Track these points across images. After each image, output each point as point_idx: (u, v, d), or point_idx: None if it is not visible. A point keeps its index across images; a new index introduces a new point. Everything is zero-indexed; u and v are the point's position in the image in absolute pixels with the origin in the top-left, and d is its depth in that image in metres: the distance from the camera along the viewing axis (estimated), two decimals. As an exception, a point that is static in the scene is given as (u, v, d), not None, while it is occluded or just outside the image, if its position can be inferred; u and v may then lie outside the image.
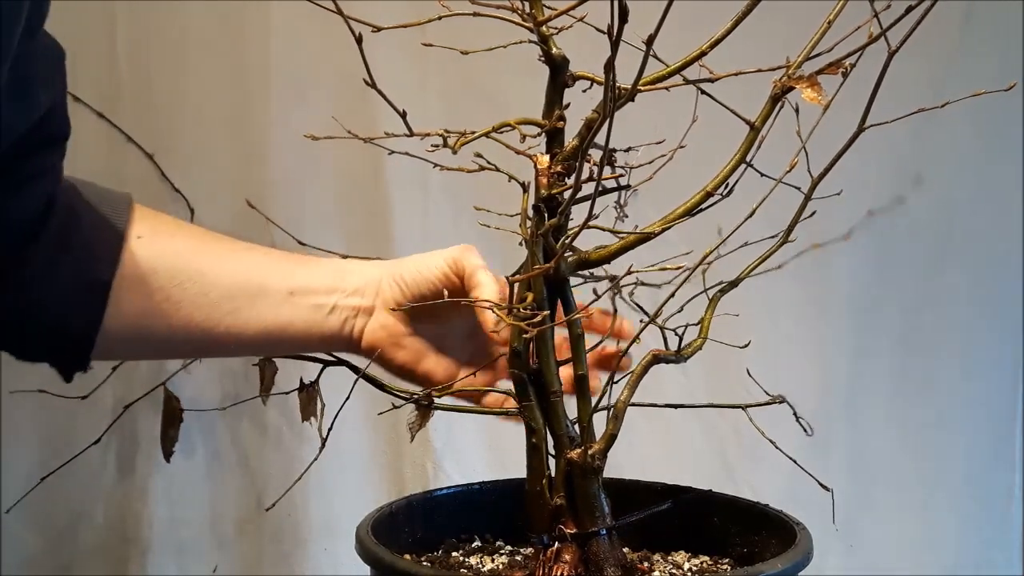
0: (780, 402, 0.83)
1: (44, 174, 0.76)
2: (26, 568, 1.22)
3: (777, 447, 0.81)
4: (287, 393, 0.88)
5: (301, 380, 0.87)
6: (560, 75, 0.71)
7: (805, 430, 0.83)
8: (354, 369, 0.88)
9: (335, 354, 0.89)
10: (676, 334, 0.75)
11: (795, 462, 0.82)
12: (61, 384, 0.85)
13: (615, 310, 0.84)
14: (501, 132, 0.73)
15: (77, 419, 1.17)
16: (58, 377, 0.84)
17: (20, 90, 0.69)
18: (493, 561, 0.83)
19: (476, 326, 0.82)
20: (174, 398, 1.02)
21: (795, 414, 0.83)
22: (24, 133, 0.72)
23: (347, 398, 0.82)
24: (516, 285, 0.73)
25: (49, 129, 0.75)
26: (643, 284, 0.83)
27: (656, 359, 0.74)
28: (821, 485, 0.81)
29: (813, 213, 0.73)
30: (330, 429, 0.84)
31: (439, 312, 0.83)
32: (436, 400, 0.83)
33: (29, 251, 0.76)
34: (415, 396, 0.83)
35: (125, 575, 1.24)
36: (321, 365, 0.89)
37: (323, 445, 0.84)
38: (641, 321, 0.76)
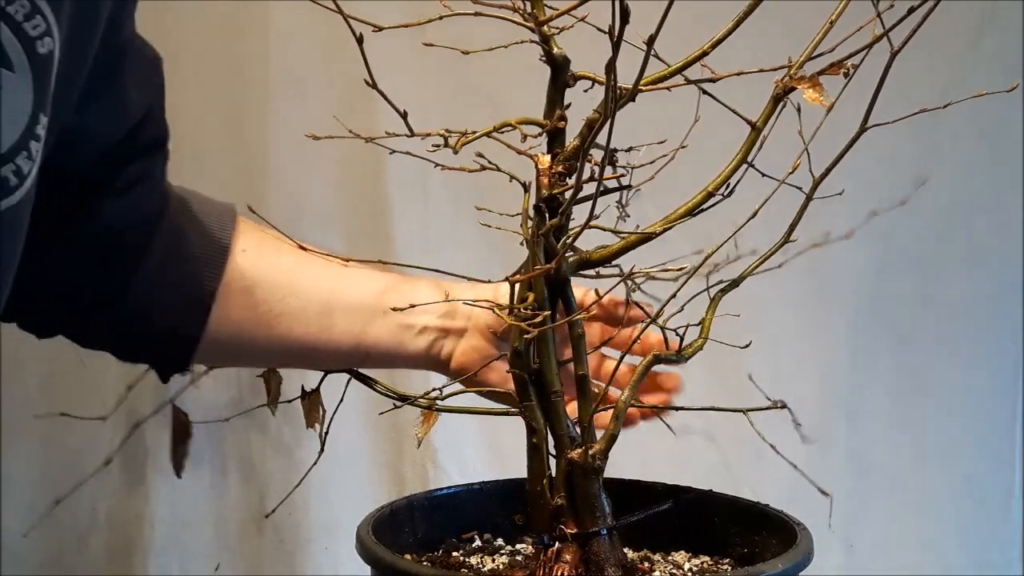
0: (781, 407, 0.83)
1: (144, 180, 0.80)
2: (27, 567, 1.22)
3: (778, 451, 0.81)
4: (290, 401, 0.88)
5: (303, 388, 0.87)
6: (561, 75, 0.71)
7: (804, 438, 0.83)
8: (355, 375, 0.88)
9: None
10: (677, 334, 0.75)
11: (795, 467, 0.82)
12: (55, 395, 0.85)
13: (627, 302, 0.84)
14: (502, 132, 0.73)
15: (83, 430, 1.16)
16: (55, 384, 0.85)
17: (112, 102, 0.74)
18: (493, 561, 0.83)
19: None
20: (182, 414, 1.02)
21: (795, 421, 0.83)
22: (121, 139, 0.76)
23: (340, 400, 0.82)
24: (517, 285, 0.73)
25: (147, 134, 0.79)
26: (651, 276, 0.83)
27: (657, 359, 0.74)
28: (820, 491, 0.81)
29: (805, 210, 0.73)
30: (327, 432, 0.84)
31: None
32: (437, 403, 0.83)
33: (140, 258, 0.80)
34: (416, 398, 0.83)
35: (128, 575, 1.24)
36: (323, 372, 0.89)
37: (322, 448, 0.84)
38: (642, 321, 0.76)
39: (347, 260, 0.86)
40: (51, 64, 0.62)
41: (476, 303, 0.78)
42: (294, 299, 0.86)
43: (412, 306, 0.84)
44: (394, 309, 0.86)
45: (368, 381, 0.87)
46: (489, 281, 0.79)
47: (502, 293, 0.86)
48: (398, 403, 0.85)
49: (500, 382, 0.87)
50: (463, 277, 0.86)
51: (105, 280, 0.80)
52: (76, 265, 0.79)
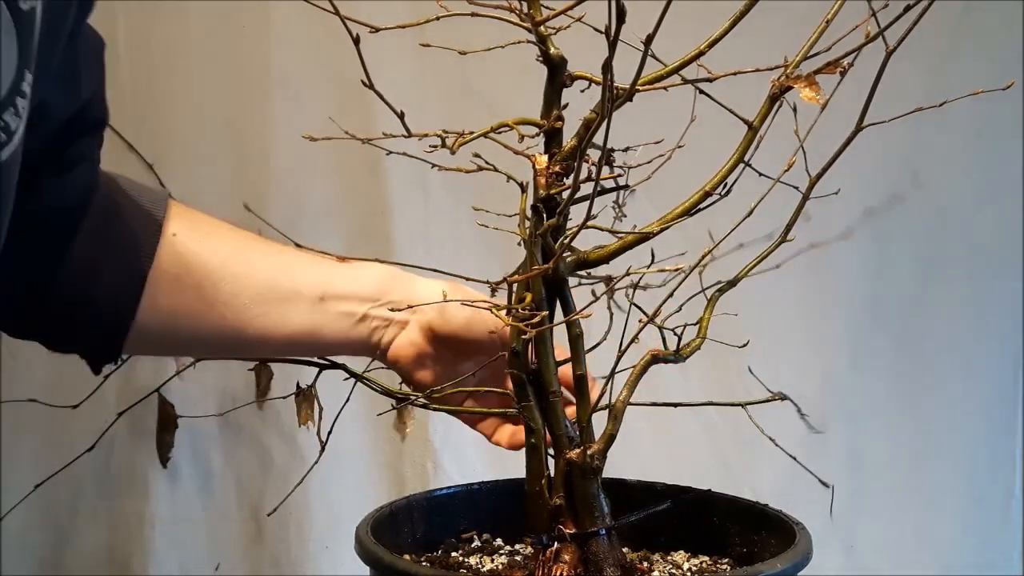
0: (782, 399, 0.83)
1: (84, 159, 0.77)
2: (27, 567, 1.22)
3: (777, 444, 0.81)
4: (284, 397, 0.88)
5: (298, 384, 0.87)
6: (558, 75, 0.71)
7: (810, 426, 0.83)
8: (352, 373, 0.88)
9: (331, 358, 0.89)
10: (675, 334, 0.75)
11: (795, 459, 0.82)
12: (57, 394, 0.84)
13: (611, 314, 0.85)
14: (499, 132, 0.73)
15: (77, 422, 1.16)
16: (55, 383, 0.84)
17: (67, 78, 0.71)
18: (493, 561, 0.83)
19: (497, 370, 0.81)
20: (168, 404, 1.02)
21: (799, 410, 0.83)
22: (67, 119, 0.73)
23: (346, 401, 0.82)
24: (515, 285, 0.73)
25: (89, 115, 0.76)
26: (642, 287, 0.83)
27: (655, 359, 0.74)
28: (821, 482, 0.81)
29: (809, 218, 0.73)
30: (330, 432, 0.84)
31: (466, 348, 0.84)
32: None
33: (69, 241, 0.77)
34: (412, 399, 0.83)
35: (127, 574, 1.24)
36: (317, 369, 0.89)
37: (323, 449, 0.84)
38: (640, 321, 0.76)
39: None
40: (34, 21, 0.60)
41: (474, 303, 0.78)
42: (225, 285, 0.82)
43: (410, 306, 0.83)
44: (392, 309, 0.85)
45: (366, 381, 0.87)
46: (488, 282, 0.79)
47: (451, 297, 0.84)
48: (396, 405, 0.85)
49: (427, 380, 0.86)
50: (462, 277, 0.86)
51: (35, 264, 0.77)
52: (9, 248, 0.73)
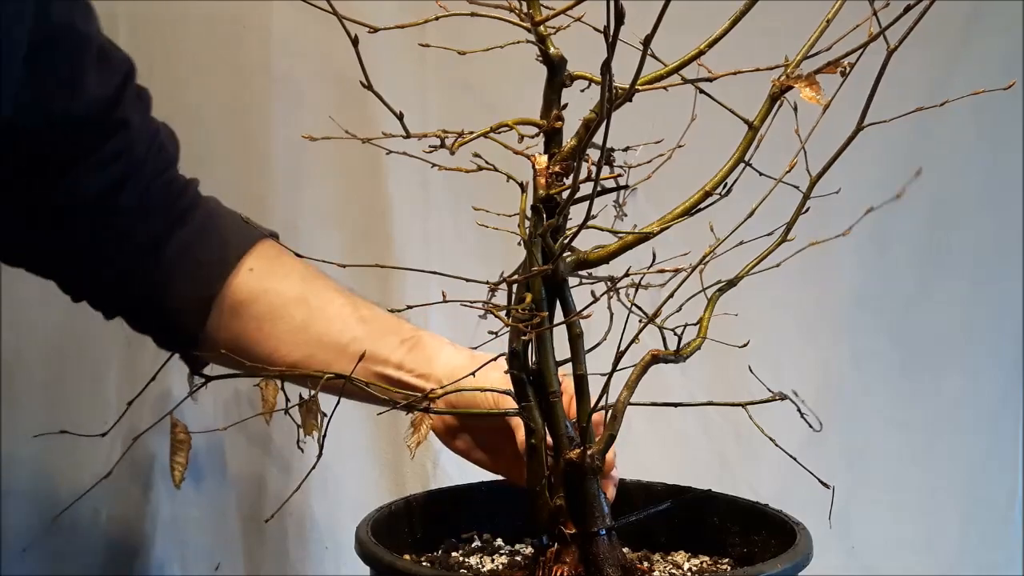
0: (782, 399, 0.83)
1: (122, 156, 0.89)
2: (27, 567, 1.22)
3: (777, 444, 0.81)
4: (286, 410, 0.88)
5: (300, 395, 0.87)
6: (558, 75, 0.71)
7: (811, 425, 0.83)
8: (353, 381, 0.87)
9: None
10: (675, 334, 0.75)
11: (795, 459, 0.82)
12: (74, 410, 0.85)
13: (611, 315, 0.84)
14: (499, 132, 0.73)
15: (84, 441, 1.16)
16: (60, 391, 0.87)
17: (64, 84, 0.84)
18: (493, 561, 0.83)
19: (515, 447, 0.83)
20: (181, 425, 1.02)
21: (799, 410, 0.83)
22: (77, 120, 0.86)
23: (337, 404, 0.82)
24: (515, 286, 0.73)
25: (111, 117, 0.88)
26: (643, 287, 0.83)
27: (655, 359, 0.74)
28: (821, 483, 0.81)
29: (807, 210, 0.73)
30: (324, 436, 0.84)
31: (485, 430, 0.89)
32: (433, 404, 0.83)
33: (157, 249, 0.92)
34: (411, 401, 0.83)
35: (128, 574, 1.24)
36: (320, 380, 0.89)
37: (320, 453, 0.84)
38: (640, 321, 0.76)
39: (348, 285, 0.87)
40: None
41: (472, 304, 0.78)
42: (283, 324, 0.93)
43: (410, 307, 0.83)
44: (391, 310, 0.86)
45: (364, 386, 0.87)
46: (487, 282, 0.79)
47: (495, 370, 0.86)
48: (394, 405, 0.84)
49: (462, 448, 0.91)
50: (461, 278, 0.86)
51: (125, 260, 0.91)
52: (101, 241, 0.91)
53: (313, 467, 0.84)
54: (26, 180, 0.87)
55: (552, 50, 0.70)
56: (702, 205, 0.72)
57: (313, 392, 0.87)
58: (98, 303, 0.97)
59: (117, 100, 0.89)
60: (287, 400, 0.87)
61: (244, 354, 0.90)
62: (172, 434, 1.01)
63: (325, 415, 0.86)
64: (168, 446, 1.04)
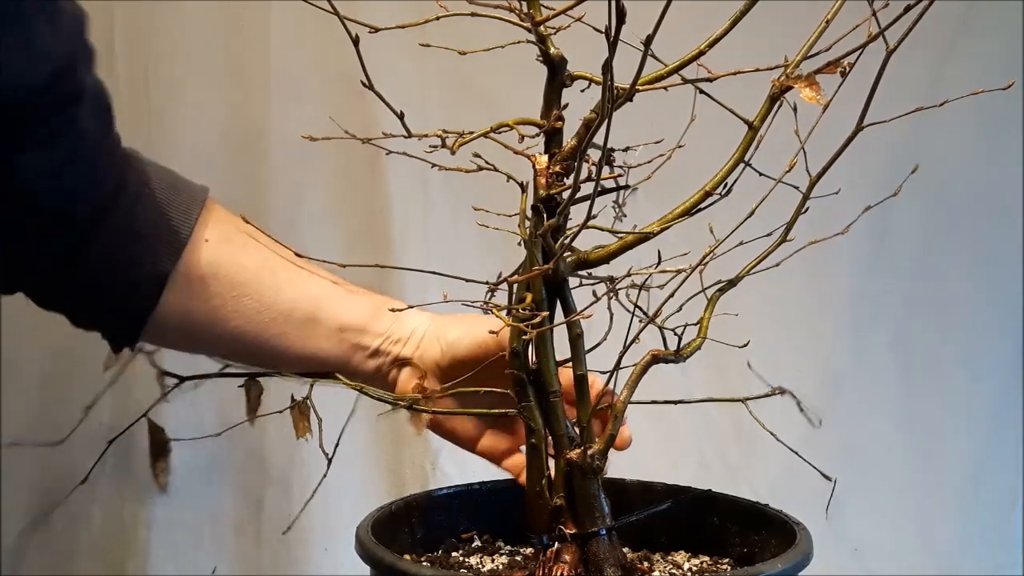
0: (781, 393, 0.83)
1: (67, 132, 0.77)
2: (25, 569, 1.22)
3: (778, 439, 0.81)
4: (280, 412, 0.88)
5: (292, 397, 0.87)
6: (558, 75, 0.71)
7: (811, 421, 0.83)
8: (347, 383, 0.88)
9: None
10: (675, 334, 0.75)
11: (797, 453, 0.82)
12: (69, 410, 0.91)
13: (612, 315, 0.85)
14: (499, 132, 0.73)
15: (81, 435, 1.16)
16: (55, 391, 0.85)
17: (24, 47, 0.71)
18: (493, 561, 0.83)
19: (505, 397, 0.81)
20: (158, 429, 1.00)
21: (799, 405, 0.83)
22: (33, 89, 0.73)
23: (349, 418, 0.83)
24: (515, 286, 0.73)
25: (63, 87, 0.75)
26: (643, 288, 0.83)
27: (655, 359, 0.74)
28: (823, 475, 0.81)
29: (807, 210, 0.73)
30: (336, 445, 0.84)
31: (471, 381, 0.85)
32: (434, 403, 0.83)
33: (93, 230, 0.80)
34: (413, 400, 0.83)
35: (124, 576, 1.24)
36: (311, 382, 0.89)
37: (329, 463, 0.84)
38: (640, 321, 0.76)
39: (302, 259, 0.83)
40: None
41: (473, 303, 0.78)
42: (249, 300, 0.85)
43: (410, 307, 0.83)
44: (392, 310, 0.86)
45: (364, 389, 0.87)
46: (487, 282, 0.79)
47: (448, 330, 0.87)
48: (393, 405, 0.85)
49: (436, 416, 0.88)
50: (461, 278, 0.86)
51: (58, 246, 0.80)
52: (25, 218, 0.79)
53: (324, 477, 0.85)
54: None
55: (552, 50, 0.70)
56: (702, 205, 0.72)
57: (306, 395, 0.87)
58: (37, 292, 0.85)
59: (70, 65, 0.76)
60: (293, 398, 0.87)
61: (203, 333, 0.85)
62: (151, 438, 0.99)
63: (320, 418, 0.86)
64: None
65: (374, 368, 0.89)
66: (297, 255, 0.83)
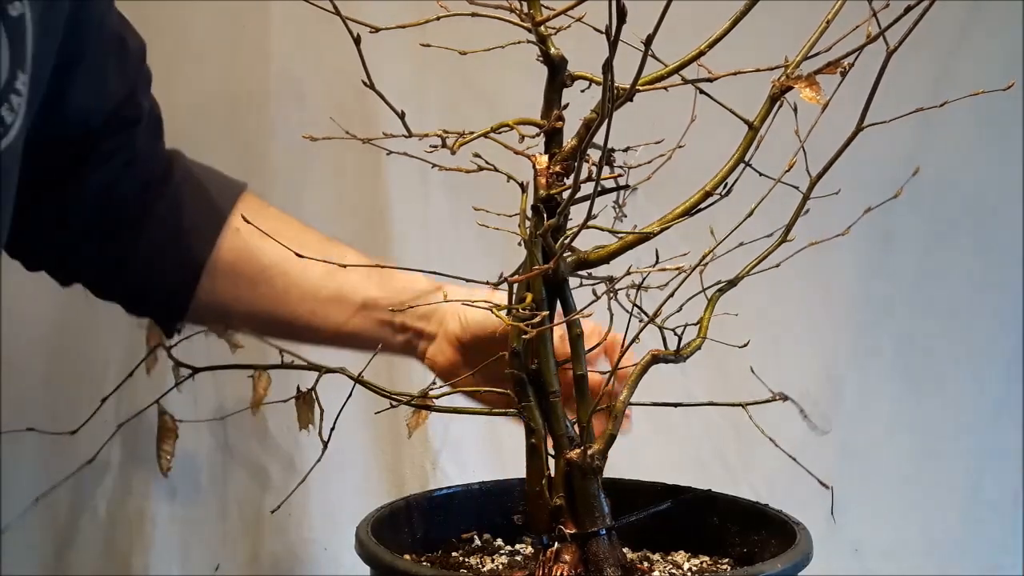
0: (783, 399, 0.83)
1: (123, 150, 0.88)
2: (28, 567, 1.22)
3: (777, 445, 0.81)
4: (285, 401, 0.88)
5: (298, 388, 0.87)
6: (558, 75, 0.71)
7: (812, 426, 0.83)
8: (352, 376, 0.88)
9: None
10: (675, 334, 0.75)
11: (795, 460, 0.82)
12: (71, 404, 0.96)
13: (612, 315, 0.85)
14: (500, 132, 0.73)
15: (83, 431, 1.16)
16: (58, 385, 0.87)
17: (91, 80, 0.82)
18: (493, 561, 0.83)
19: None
20: (167, 414, 1.02)
21: (801, 411, 0.83)
22: (101, 116, 0.85)
23: (344, 403, 0.82)
24: (515, 285, 0.73)
25: (123, 114, 0.87)
26: (643, 288, 0.83)
27: (655, 359, 0.74)
28: (821, 483, 0.81)
29: (807, 211, 0.73)
30: (332, 430, 0.84)
31: (492, 346, 0.86)
32: (435, 402, 0.83)
33: (140, 225, 0.89)
34: (412, 399, 0.83)
35: (127, 574, 1.24)
36: (317, 373, 0.89)
37: (324, 447, 0.84)
38: (640, 321, 0.76)
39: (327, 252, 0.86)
40: (24, 26, 0.69)
41: (473, 303, 0.78)
42: (279, 281, 0.91)
43: (411, 306, 0.84)
44: (393, 309, 0.87)
45: (365, 383, 0.87)
46: (488, 282, 0.79)
47: (498, 295, 0.87)
48: (394, 403, 0.85)
49: (472, 386, 0.89)
50: (461, 278, 0.86)
51: (111, 241, 0.90)
52: (87, 225, 0.89)
53: (318, 460, 0.85)
54: (40, 179, 0.85)
55: (553, 50, 0.70)
56: (702, 205, 0.72)
57: (312, 386, 0.87)
58: (94, 286, 0.95)
59: (133, 92, 0.87)
60: (299, 389, 0.87)
61: (235, 313, 0.91)
62: (160, 422, 1.01)
63: (323, 409, 0.87)
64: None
65: (403, 343, 0.92)
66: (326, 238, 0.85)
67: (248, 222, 0.82)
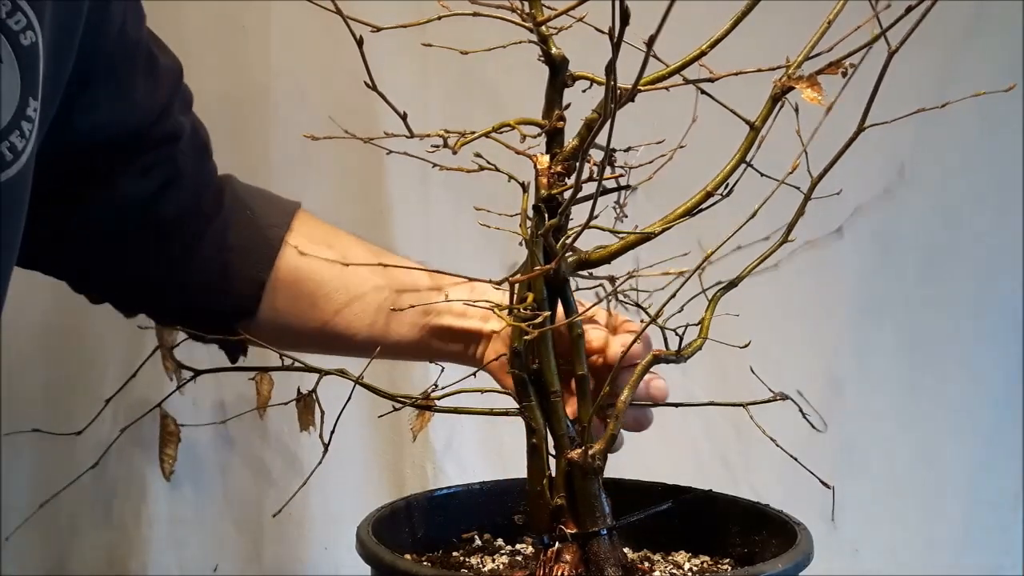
0: (783, 399, 0.83)
1: (162, 165, 0.88)
2: (26, 567, 1.22)
3: (778, 445, 0.81)
4: (285, 403, 0.88)
5: (299, 390, 0.87)
6: (560, 75, 0.71)
7: (813, 426, 0.83)
8: (352, 378, 0.88)
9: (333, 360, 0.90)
10: (676, 334, 0.75)
11: (796, 460, 0.82)
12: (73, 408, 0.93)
13: (609, 313, 0.84)
14: (501, 132, 0.73)
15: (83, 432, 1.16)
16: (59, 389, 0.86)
17: (118, 91, 0.83)
18: (493, 561, 0.83)
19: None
20: (170, 418, 1.02)
21: (801, 411, 0.83)
22: (136, 131, 0.85)
23: (345, 405, 0.82)
24: (516, 285, 0.73)
25: (159, 129, 0.87)
26: (644, 289, 0.83)
27: (656, 359, 0.74)
28: (822, 483, 0.81)
29: (803, 209, 0.73)
30: (332, 432, 0.84)
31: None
32: (437, 403, 0.83)
33: (194, 247, 0.90)
34: (414, 400, 0.83)
35: (126, 574, 1.24)
36: (318, 375, 0.89)
37: (325, 449, 0.84)
38: (641, 321, 0.76)
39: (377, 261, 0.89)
40: (36, 54, 0.69)
41: (475, 303, 0.78)
42: (337, 295, 0.91)
43: (411, 306, 0.84)
44: (393, 309, 0.87)
45: (366, 385, 0.87)
46: (490, 281, 0.79)
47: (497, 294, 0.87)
48: (397, 405, 0.85)
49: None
50: (461, 277, 0.86)
51: (168, 265, 0.90)
52: (141, 253, 0.90)
53: (319, 464, 0.85)
54: (71, 191, 0.85)
55: (554, 50, 0.70)
56: (704, 205, 0.72)
57: (312, 388, 0.88)
58: (143, 307, 0.95)
59: (167, 110, 0.88)
60: (300, 391, 0.87)
61: (296, 330, 0.92)
62: (161, 426, 1.02)
63: (324, 411, 0.87)
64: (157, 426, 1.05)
65: (461, 350, 0.92)
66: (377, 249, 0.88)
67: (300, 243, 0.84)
